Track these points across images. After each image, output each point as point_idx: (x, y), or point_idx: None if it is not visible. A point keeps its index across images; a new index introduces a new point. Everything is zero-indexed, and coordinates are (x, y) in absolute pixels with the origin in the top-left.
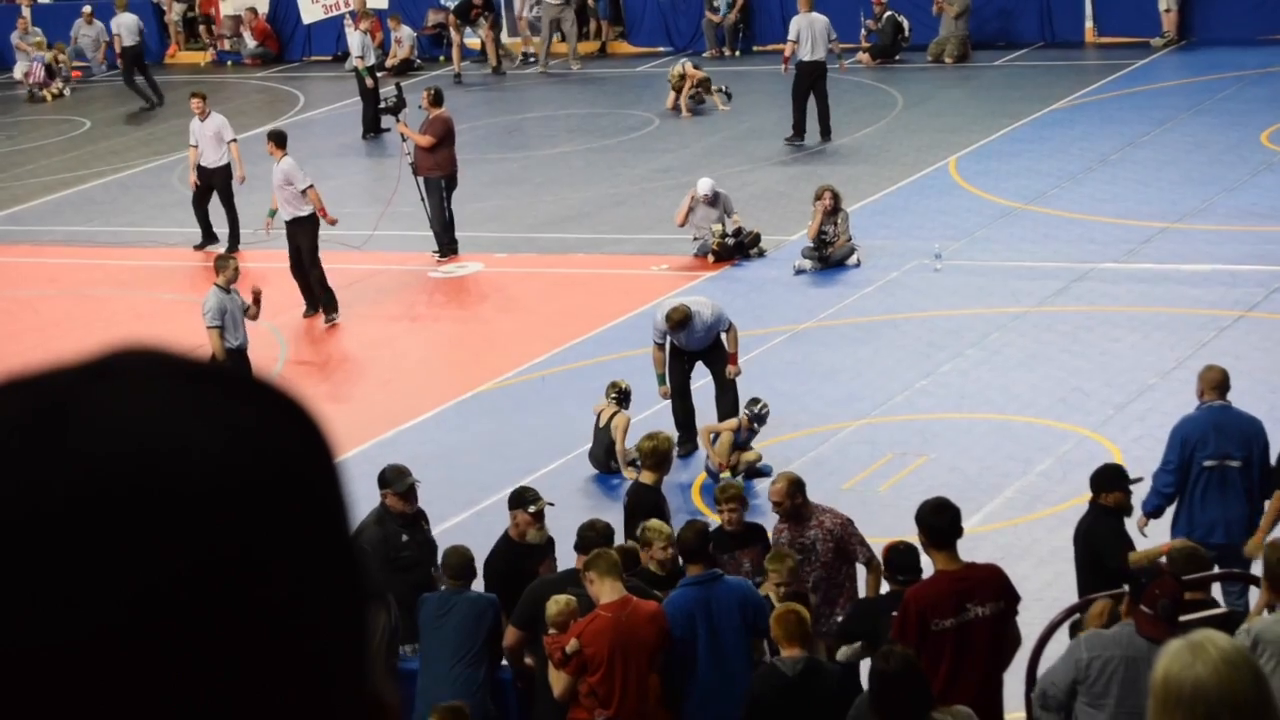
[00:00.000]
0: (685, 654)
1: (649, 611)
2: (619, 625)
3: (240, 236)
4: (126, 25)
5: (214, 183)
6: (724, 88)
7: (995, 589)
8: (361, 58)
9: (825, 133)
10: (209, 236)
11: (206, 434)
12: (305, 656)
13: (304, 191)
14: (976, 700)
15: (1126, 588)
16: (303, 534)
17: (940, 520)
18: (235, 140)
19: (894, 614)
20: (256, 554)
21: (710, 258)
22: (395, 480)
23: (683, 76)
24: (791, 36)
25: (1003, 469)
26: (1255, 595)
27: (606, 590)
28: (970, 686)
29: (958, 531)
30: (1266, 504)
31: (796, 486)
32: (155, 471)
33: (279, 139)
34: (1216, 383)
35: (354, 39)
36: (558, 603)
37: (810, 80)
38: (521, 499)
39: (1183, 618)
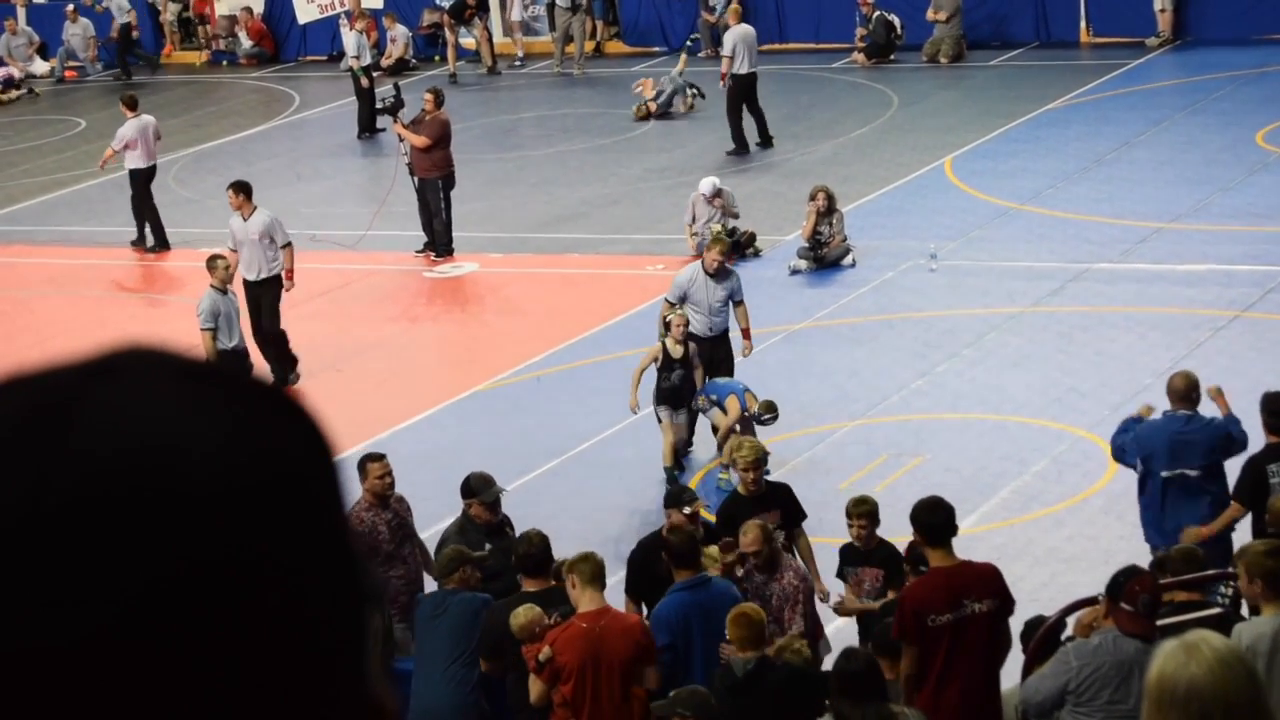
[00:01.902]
0: (680, 659)
1: (626, 624)
2: (591, 635)
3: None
4: (118, 4)
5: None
6: (693, 88)
7: (992, 587)
8: (357, 57)
9: (767, 140)
10: (161, 240)
11: (207, 434)
12: (304, 656)
13: (284, 247)
14: (974, 696)
15: (1101, 594)
16: (302, 535)
17: (935, 518)
18: (111, 149)
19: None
20: (256, 554)
21: None
22: (481, 489)
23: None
24: (727, 51)
25: (998, 469)
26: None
27: (585, 599)
28: (965, 681)
29: (953, 529)
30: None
31: (767, 533)
32: (156, 471)
33: (248, 190)
34: (1179, 391)
35: (349, 39)
36: (518, 616)
37: (746, 92)
38: (677, 499)
39: (1177, 618)
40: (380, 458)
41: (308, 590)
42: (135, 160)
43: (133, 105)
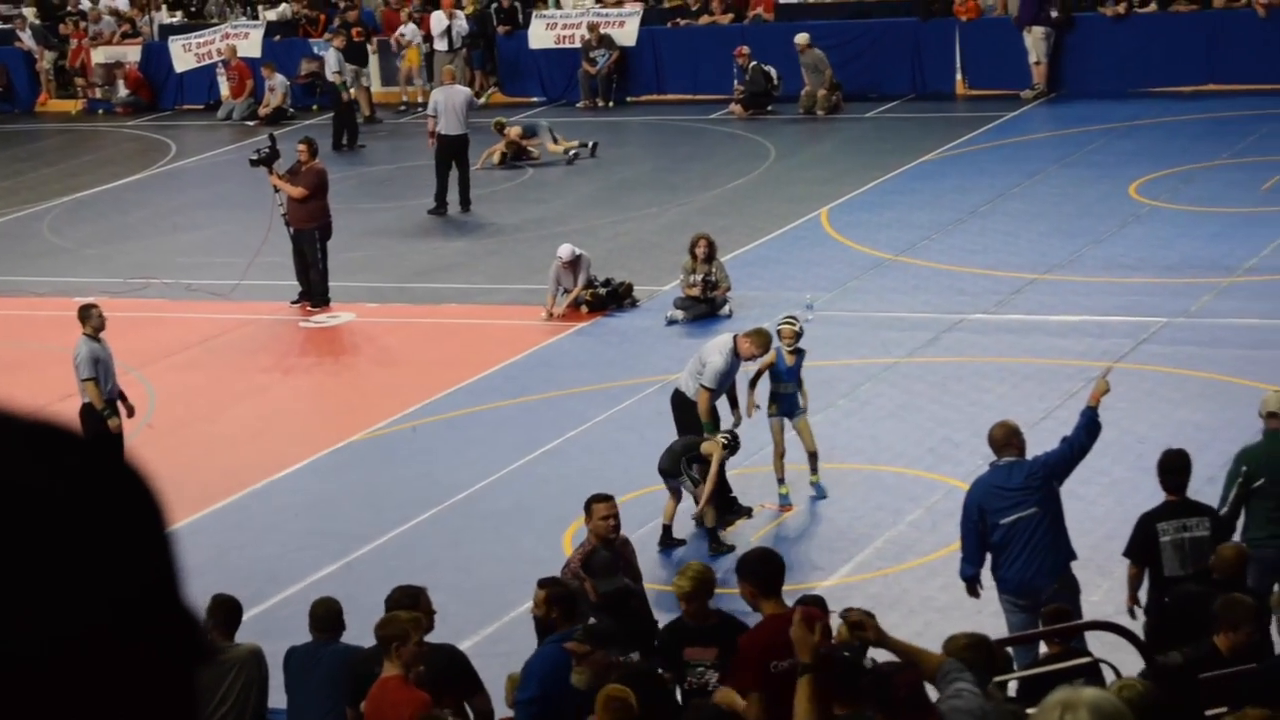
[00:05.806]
0: (552, 713)
1: (400, 698)
2: (378, 699)
3: None
4: None
5: None
6: (572, 150)
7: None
8: (339, 72)
9: (465, 203)
10: None
11: (41, 490)
12: (129, 708)
13: None
14: None
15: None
16: (129, 586)
17: (769, 568)
18: None
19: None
20: (77, 599)
21: (584, 308)
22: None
23: (502, 130)
24: (429, 110)
25: (872, 519)
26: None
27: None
28: None
29: (782, 579)
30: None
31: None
32: None
33: None
34: (998, 442)
35: (330, 56)
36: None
37: (451, 152)
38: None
39: (1048, 667)
40: (606, 498)
41: (130, 645)
42: None
43: None
